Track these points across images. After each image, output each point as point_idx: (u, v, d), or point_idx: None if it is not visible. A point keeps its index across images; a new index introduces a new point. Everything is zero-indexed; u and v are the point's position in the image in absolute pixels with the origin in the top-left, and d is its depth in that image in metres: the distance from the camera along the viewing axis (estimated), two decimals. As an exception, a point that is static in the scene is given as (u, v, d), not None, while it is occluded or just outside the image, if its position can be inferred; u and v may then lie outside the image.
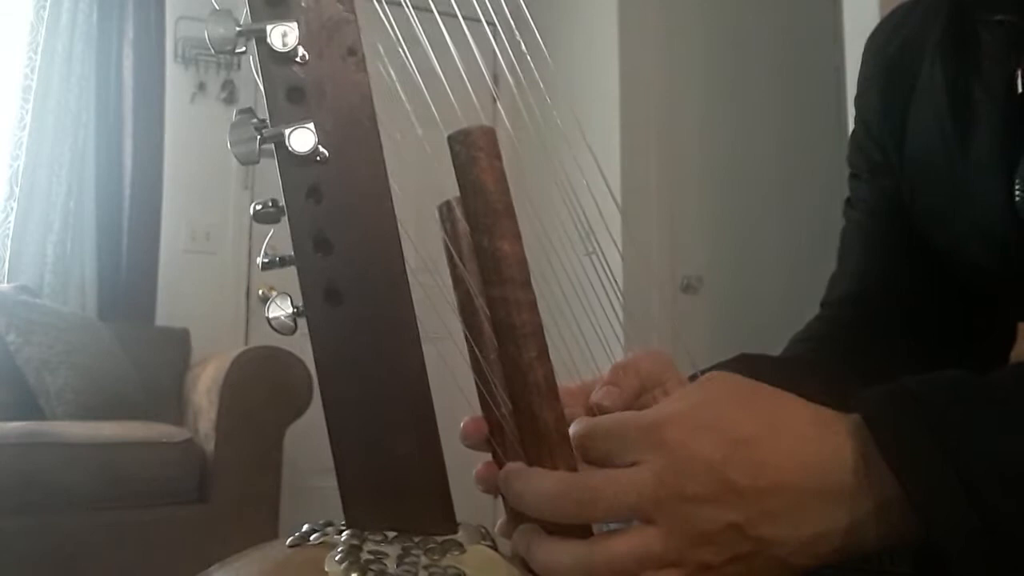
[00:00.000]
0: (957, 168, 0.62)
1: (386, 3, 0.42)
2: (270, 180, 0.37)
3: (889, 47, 0.71)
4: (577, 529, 0.37)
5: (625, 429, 0.38)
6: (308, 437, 1.70)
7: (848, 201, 0.76)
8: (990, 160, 0.59)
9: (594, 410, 0.50)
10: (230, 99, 2.94)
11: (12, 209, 2.64)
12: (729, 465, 0.35)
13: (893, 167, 0.70)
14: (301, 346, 0.39)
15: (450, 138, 0.36)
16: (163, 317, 2.76)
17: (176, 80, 2.88)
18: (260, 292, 2.81)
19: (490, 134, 0.37)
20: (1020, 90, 0.57)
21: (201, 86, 2.93)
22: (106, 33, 2.78)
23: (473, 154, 0.36)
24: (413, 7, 0.42)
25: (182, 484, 1.95)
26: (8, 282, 2.54)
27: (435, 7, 0.41)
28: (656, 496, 0.35)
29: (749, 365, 0.61)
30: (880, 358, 0.66)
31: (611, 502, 0.36)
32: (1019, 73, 0.57)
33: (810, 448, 0.37)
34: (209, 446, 2.00)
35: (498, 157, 0.37)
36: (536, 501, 0.37)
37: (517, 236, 0.37)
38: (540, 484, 0.37)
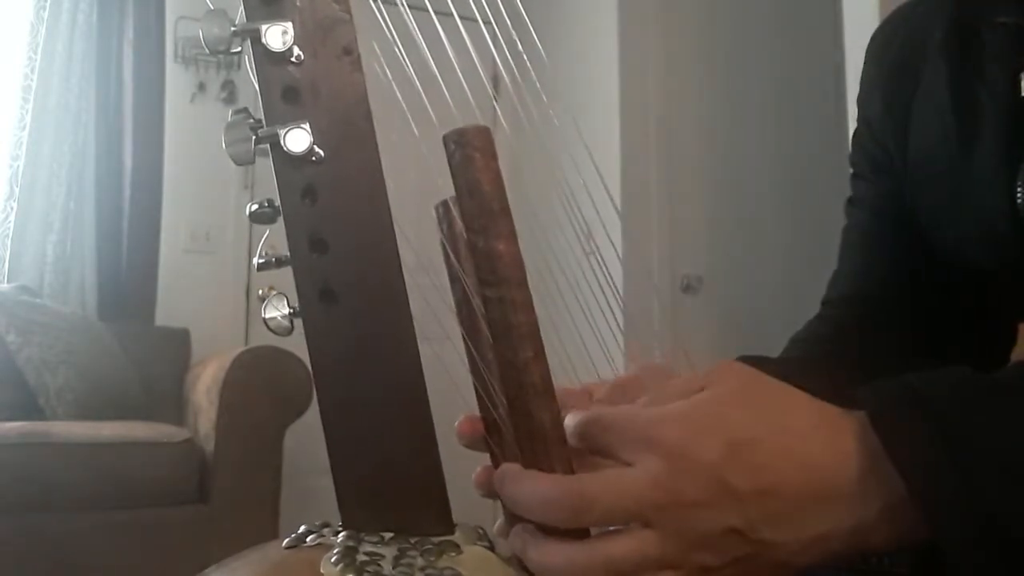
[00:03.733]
0: (959, 169, 0.62)
1: (382, 3, 0.42)
2: (270, 180, 0.37)
3: (892, 47, 0.71)
4: (574, 530, 0.37)
5: (624, 425, 0.37)
6: (308, 437, 1.69)
7: (850, 200, 0.76)
8: (992, 162, 0.59)
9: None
10: (230, 99, 2.94)
11: (12, 209, 2.63)
12: (728, 468, 0.35)
13: (895, 167, 0.69)
14: (301, 346, 0.39)
15: (445, 138, 0.36)
16: (163, 317, 2.76)
17: (176, 80, 2.88)
18: (260, 292, 2.80)
19: (486, 133, 0.36)
20: (1023, 92, 0.56)
21: (201, 86, 2.93)
22: (106, 33, 2.78)
23: (469, 154, 0.36)
24: (410, 7, 0.42)
25: (182, 484, 1.95)
26: (8, 282, 2.53)
27: (431, 7, 0.40)
28: (653, 501, 0.35)
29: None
30: (880, 358, 0.66)
31: (606, 507, 0.36)
32: (1022, 75, 0.57)
33: (813, 449, 0.37)
34: (209, 446, 2.00)
35: (494, 157, 0.36)
36: (531, 505, 0.37)
37: (513, 236, 0.37)
38: (535, 487, 0.37)
